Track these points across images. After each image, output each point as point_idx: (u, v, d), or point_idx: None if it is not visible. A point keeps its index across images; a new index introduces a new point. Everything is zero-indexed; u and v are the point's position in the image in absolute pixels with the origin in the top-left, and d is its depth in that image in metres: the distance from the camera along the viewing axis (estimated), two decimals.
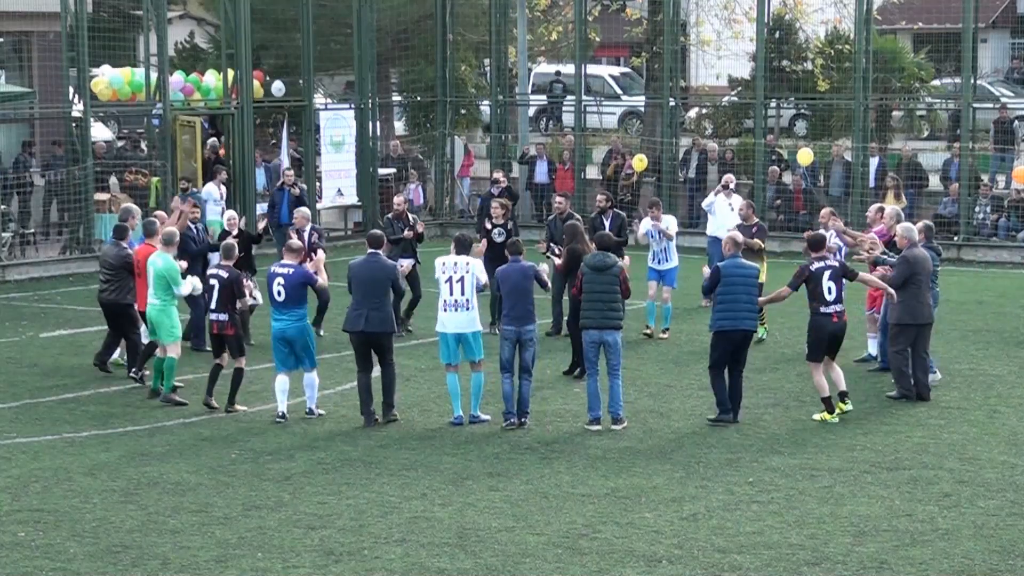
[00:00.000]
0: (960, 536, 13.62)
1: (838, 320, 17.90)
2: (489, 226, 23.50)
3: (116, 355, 20.91)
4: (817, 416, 18.03)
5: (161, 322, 19.07)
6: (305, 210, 23.97)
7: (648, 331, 23.21)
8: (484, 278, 18.03)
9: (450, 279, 17.76)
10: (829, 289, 17.81)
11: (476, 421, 17.82)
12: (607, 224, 23.23)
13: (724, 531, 13.80)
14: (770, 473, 15.72)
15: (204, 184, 30.95)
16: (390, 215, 24.19)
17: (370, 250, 18.04)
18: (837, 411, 17.97)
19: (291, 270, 18.01)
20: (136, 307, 20.09)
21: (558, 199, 24.14)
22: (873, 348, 21.17)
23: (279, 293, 17.88)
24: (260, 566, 12.91)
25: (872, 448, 16.69)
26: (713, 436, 17.28)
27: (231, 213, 23.31)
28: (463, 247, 18.03)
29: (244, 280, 19.33)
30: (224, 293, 18.37)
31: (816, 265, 17.94)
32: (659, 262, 23.41)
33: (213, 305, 18.49)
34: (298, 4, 34.51)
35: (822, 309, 17.85)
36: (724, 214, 24.59)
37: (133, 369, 20.07)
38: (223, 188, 30.33)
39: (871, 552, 13.20)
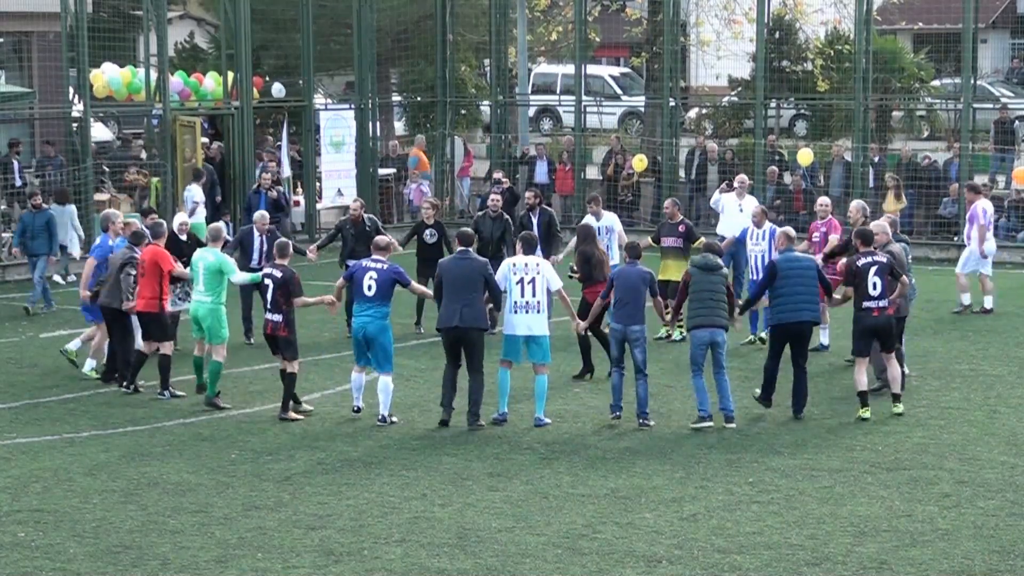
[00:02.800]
0: (960, 536, 13.62)
1: (879, 314, 18.05)
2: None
3: (92, 365, 20.70)
4: (859, 412, 18.11)
5: (210, 322, 18.78)
6: (264, 213, 23.17)
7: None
8: (557, 281, 17.95)
9: (521, 280, 17.66)
10: (874, 284, 17.98)
11: (540, 425, 17.63)
12: (535, 221, 23.36)
13: (724, 531, 13.80)
14: (770, 473, 15.72)
15: (190, 186, 30.91)
16: (346, 218, 24.00)
17: (460, 248, 17.91)
18: (895, 411, 18.14)
19: (385, 265, 17.78)
20: (129, 312, 19.91)
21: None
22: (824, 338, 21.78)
23: (369, 287, 17.62)
24: (260, 566, 12.91)
25: (872, 448, 16.69)
26: (713, 436, 17.29)
27: (181, 217, 22.85)
28: (530, 247, 17.99)
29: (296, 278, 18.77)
30: (278, 292, 18.02)
31: (862, 260, 18.11)
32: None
33: (268, 305, 18.11)
34: (298, 4, 34.54)
35: (864, 304, 18.03)
36: (732, 213, 24.60)
37: (125, 382, 19.64)
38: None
39: (871, 552, 13.20)
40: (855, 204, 21.50)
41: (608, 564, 12.93)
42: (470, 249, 17.90)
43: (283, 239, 19.16)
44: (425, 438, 17.28)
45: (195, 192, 29.88)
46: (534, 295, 17.64)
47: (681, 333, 22.63)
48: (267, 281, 18.15)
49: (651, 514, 14.32)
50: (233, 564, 12.97)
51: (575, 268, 20.35)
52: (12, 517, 14.32)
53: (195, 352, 19.40)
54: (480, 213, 23.94)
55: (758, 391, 18.40)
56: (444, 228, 23.88)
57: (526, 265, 17.76)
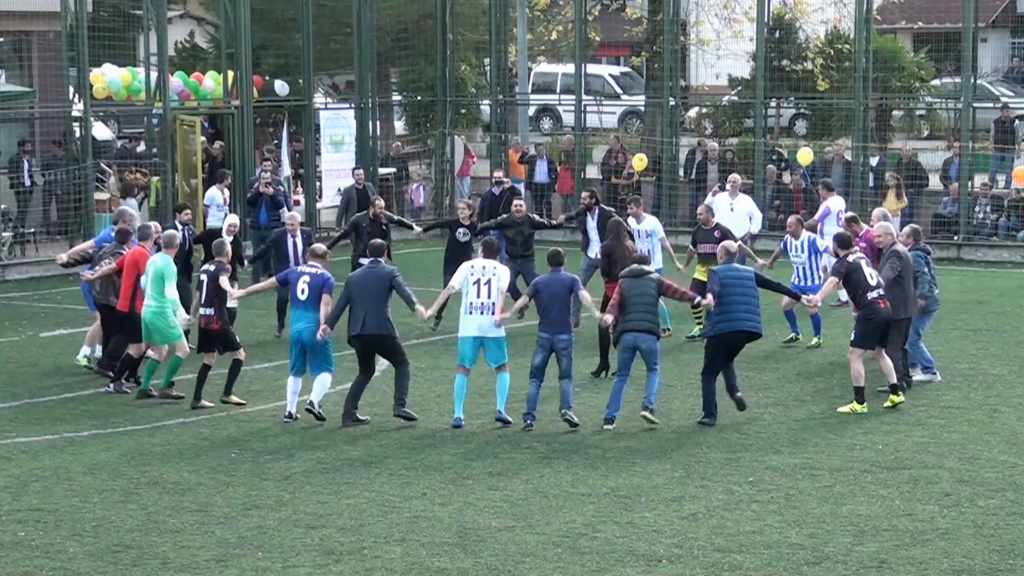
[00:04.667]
0: (960, 535, 13.62)
1: (884, 305, 18.27)
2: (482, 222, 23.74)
3: (84, 353, 20.75)
4: (845, 408, 18.27)
5: (157, 325, 18.90)
6: (295, 214, 23.99)
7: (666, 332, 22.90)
8: (507, 283, 17.94)
9: (477, 281, 17.69)
10: (870, 275, 18.28)
11: (501, 420, 17.67)
12: (592, 223, 23.46)
13: (724, 530, 13.80)
14: (770, 472, 15.72)
15: (207, 188, 30.88)
16: (366, 213, 24.17)
17: (371, 258, 18.07)
18: (888, 403, 18.35)
19: (318, 270, 17.96)
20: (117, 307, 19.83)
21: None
22: None
23: (303, 291, 17.80)
24: (260, 565, 12.91)
25: (872, 447, 16.70)
26: (713, 436, 17.28)
27: (233, 219, 23.11)
28: (491, 251, 18.08)
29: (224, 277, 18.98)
30: (211, 287, 18.45)
31: (852, 256, 18.44)
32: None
33: (203, 300, 18.56)
34: (298, 4, 34.53)
35: (869, 295, 18.19)
36: (724, 213, 24.59)
37: (117, 381, 19.63)
38: (227, 193, 30.14)
39: (871, 551, 13.20)
40: (877, 212, 21.36)
41: (608, 563, 12.93)
42: (380, 259, 18.04)
43: (219, 239, 19.53)
44: (425, 438, 17.28)
45: (215, 195, 29.84)
46: (489, 296, 17.65)
47: (700, 331, 22.61)
48: (202, 276, 18.62)
49: (651, 513, 14.32)
50: (233, 563, 12.97)
51: None
52: (12, 516, 14.32)
53: (150, 354, 19.32)
54: (505, 216, 24.15)
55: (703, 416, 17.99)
56: (476, 230, 24.03)
57: (483, 267, 17.82)
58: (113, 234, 20.66)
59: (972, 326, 24.21)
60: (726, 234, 22.60)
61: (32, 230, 31.50)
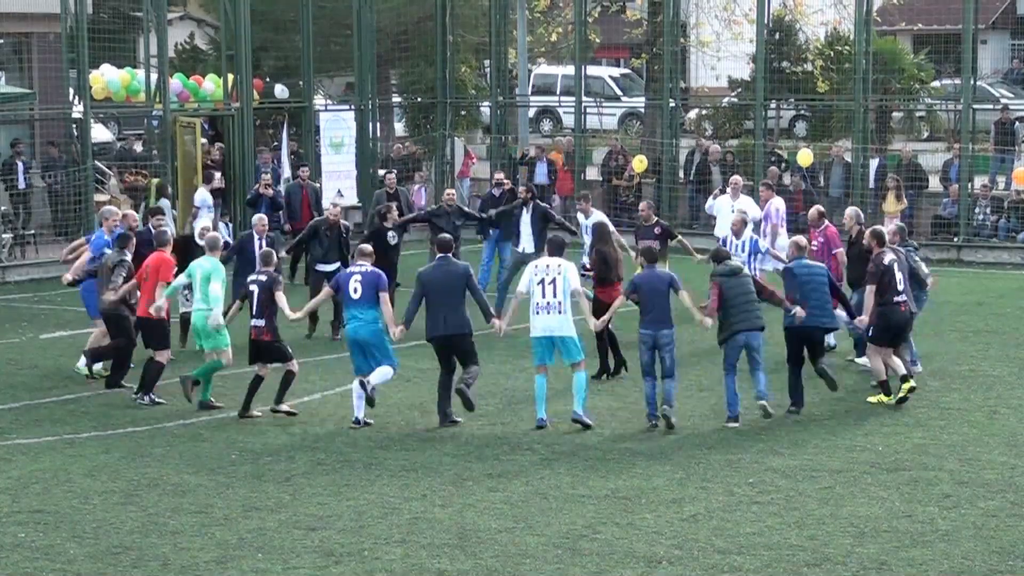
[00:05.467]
0: (960, 537, 13.63)
1: (905, 309, 18.60)
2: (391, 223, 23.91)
3: (100, 366, 20.43)
4: (873, 399, 18.64)
5: (207, 330, 18.61)
6: (263, 216, 23.11)
7: None
8: (576, 282, 17.88)
9: (543, 281, 17.64)
10: (900, 280, 18.54)
11: (579, 421, 17.58)
12: (527, 216, 23.94)
13: (724, 532, 13.81)
14: (770, 474, 15.73)
15: (197, 189, 30.89)
16: (325, 217, 23.95)
17: (440, 254, 17.97)
18: (903, 391, 18.47)
19: (367, 268, 17.88)
20: (132, 315, 19.56)
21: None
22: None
23: (355, 290, 17.65)
24: (260, 567, 12.91)
25: (872, 449, 16.70)
26: (713, 437, 17.29)
27: (204, 222, 22.94)
28: (557, 249, 18.02)
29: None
30: (263, 297, 18.18)
31: (888, 258, 18.59)
32: (585, 254, 23.31)
33: (253, 311, 18.23)
34: (298, 5, 34.55)
35: (895, 299, 18.48)
36: (725, 215, 24.65)
37: (140, 394, 19.18)
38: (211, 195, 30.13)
39: (871, 553, 13.20)
40: (849, 211, 21.50)
41: (608, 564, 12.93)
42: (450, 255, 17.97)
43: (267, 249, 19.36)
44: (425, 439, 17.28)
45: (206, 196, 29.83)
46: (555, 295, 17.58)
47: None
48: (252, 287, 18.33)
49: (651, 515, 14.32)
50: (233, 565, 12.98)
51: (588, 266, 20.46)
52: (12, 518, 14.33)
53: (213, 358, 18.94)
54: (435, 207, 24.61)
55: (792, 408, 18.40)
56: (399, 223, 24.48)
57: (548, 266, 17.75)
58: (106, 235, 20.51)
59: (972, 328, 24.21)
60: (666, 230, 22.87)
61: (32, 232, 31.49)
